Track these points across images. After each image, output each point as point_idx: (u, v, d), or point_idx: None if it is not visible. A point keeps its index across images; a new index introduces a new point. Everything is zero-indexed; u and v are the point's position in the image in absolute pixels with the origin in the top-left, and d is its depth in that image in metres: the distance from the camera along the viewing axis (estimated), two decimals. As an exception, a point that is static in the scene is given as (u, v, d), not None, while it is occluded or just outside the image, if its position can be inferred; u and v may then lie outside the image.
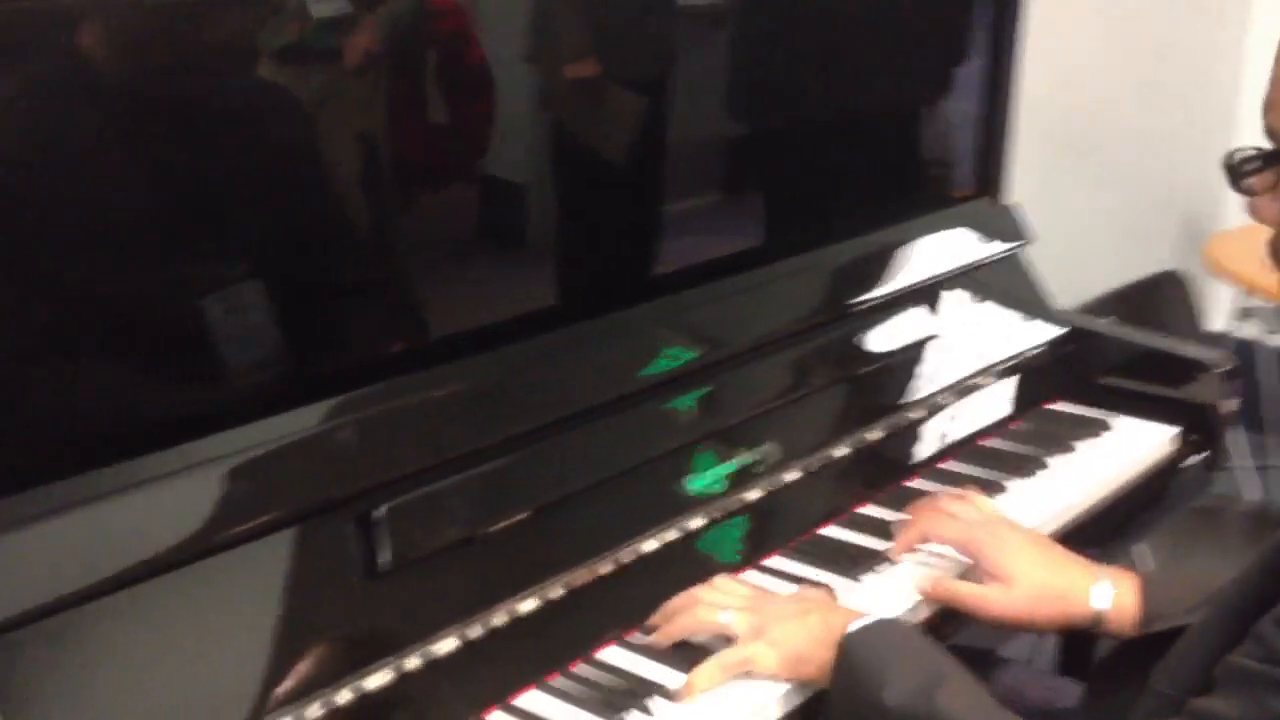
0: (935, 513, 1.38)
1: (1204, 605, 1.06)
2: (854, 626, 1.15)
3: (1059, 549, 1.33)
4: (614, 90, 1.45)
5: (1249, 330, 3.33)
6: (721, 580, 1.28)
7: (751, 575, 1.36)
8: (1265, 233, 1.01)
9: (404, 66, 1.25)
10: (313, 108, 1.19)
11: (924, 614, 1.33)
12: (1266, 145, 0.98)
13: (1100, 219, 2.95)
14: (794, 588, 1.32)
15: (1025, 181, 2.11)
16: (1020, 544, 1.31)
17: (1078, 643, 1.55)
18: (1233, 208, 1.21)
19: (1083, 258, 2.73)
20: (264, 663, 1.06)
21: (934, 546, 1.37)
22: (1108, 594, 1.26)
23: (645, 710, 1.14)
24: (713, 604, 1.22)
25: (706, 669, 1.16)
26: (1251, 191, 0.99)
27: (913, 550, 1.38)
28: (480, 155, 1.33)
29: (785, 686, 1.18)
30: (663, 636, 1.22)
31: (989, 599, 1.28)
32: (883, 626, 1.16)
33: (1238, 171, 0.99)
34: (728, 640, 1.20)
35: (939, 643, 1.15)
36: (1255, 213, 1.00)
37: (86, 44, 1.01)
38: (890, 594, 1.33)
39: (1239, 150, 0.99)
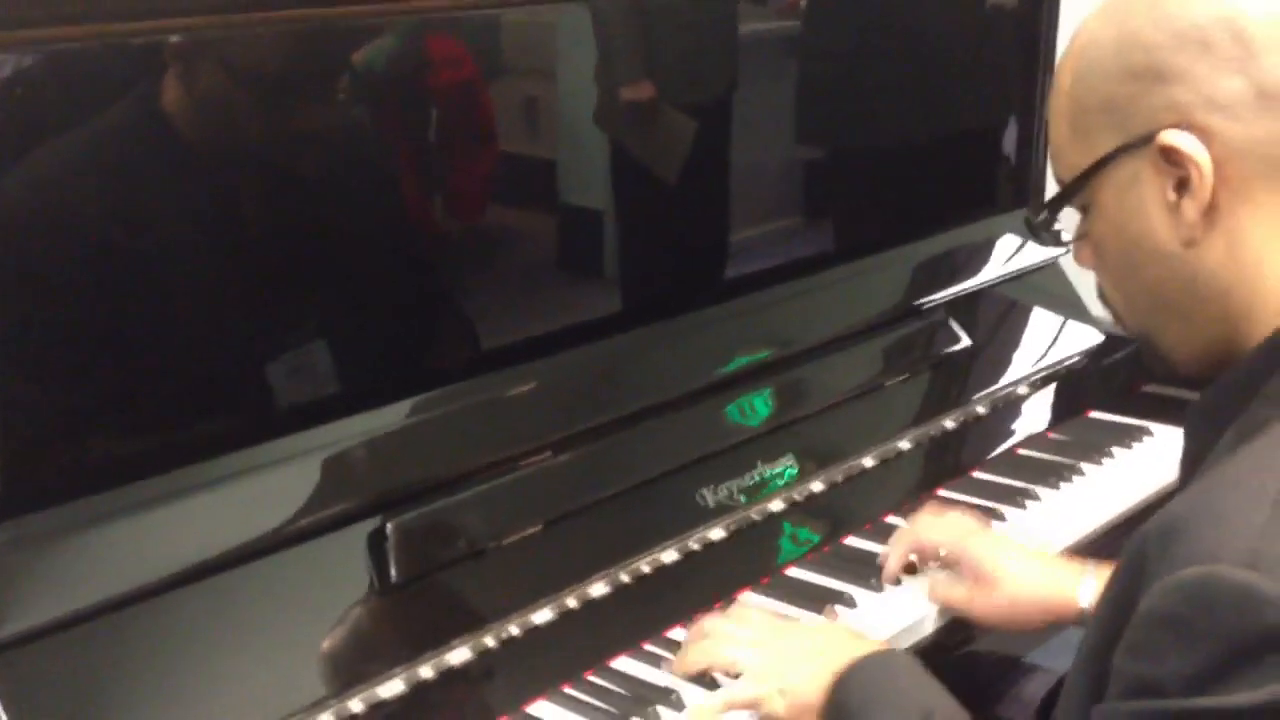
0: (921, 521, 1.40)
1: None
2: (848, 663, 1.12)
3: (1046, 553, 1.34)
4: (673, 113, 1.52)
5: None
6: (740, 609, 1.28)
7: (770, 592, 1.36)
8: None
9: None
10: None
11: (941, 621, 1.33)
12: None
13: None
14: (810, 609, 1.31)
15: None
16: (1005, 546, 1.32)
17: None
18: None
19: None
20: (277, 672, 1.09)
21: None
22: (1093, 592, 1.24)
23: (654, 718, 1.15)
24: (726, 638, 1.21)
25: (711, 708, 1.15)
26: (1056, 243, 1.06)
27: (907, 560, 1.38)
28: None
29: None
30: (677, 669, 1.22)
31: (973, 601, 1.29)
32: (875, 664, 1.12)
33: (1036, 224, 1.07)
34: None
35: (934, 679, 1.11)
36: (1076, 259, 1.05)
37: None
38: (910, 603, 1.33)
39: (1036, 208, 1.05)
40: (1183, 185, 0.91)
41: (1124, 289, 1.00)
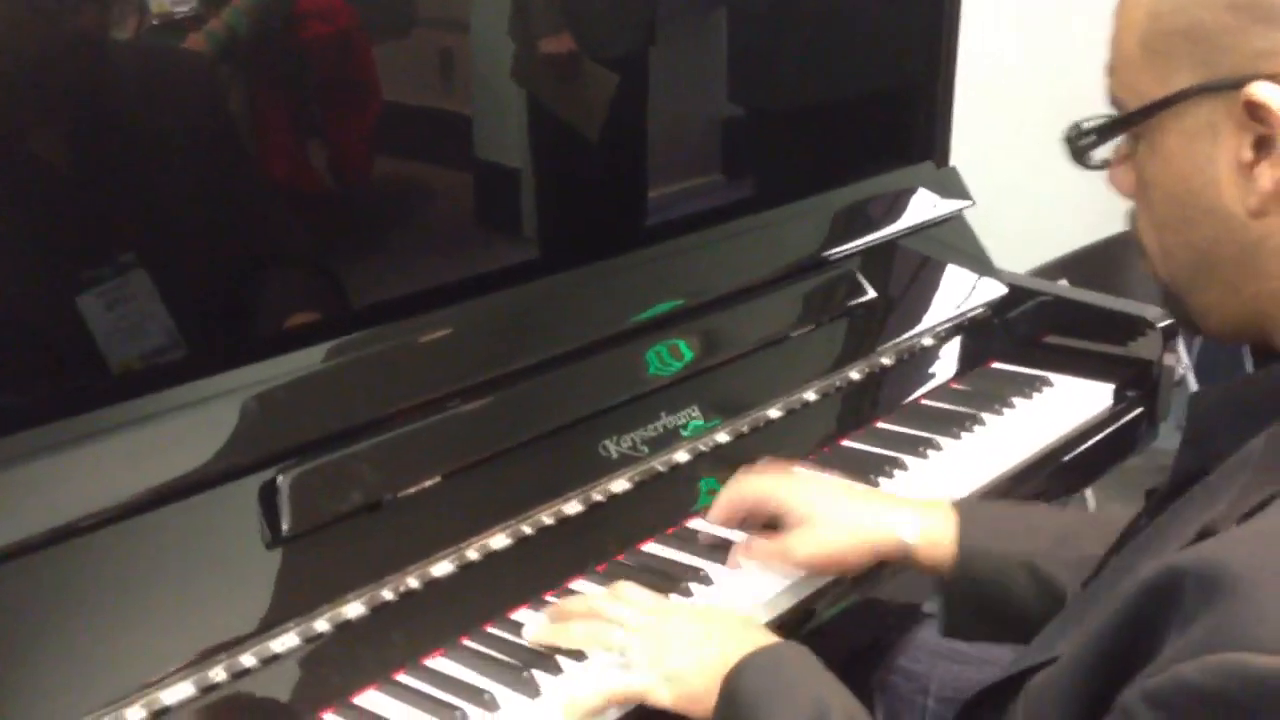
0: (737, 480, 1.34)
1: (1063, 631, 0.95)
2: (738, 659, 1.05)
3: (862, 486, 1.32)
4: (591, 65, 1.49)
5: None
6: (625, 587, 1.20)
7: (659, 548, 1.34)
8: None
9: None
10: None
11: (817, 584, 1.29)
12: (1113, 112, 0.91)
13: (1056, 181, 2.92)
14: (714, 559, 1.29)
15: (978, 144, 2.11)
16: (821, 486, 1.29)
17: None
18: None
19: (1042, 221, 2.72)
20: (167, 626, 1.07)
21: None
22: (914, 525, 1.23)
23: (554, 670, 1.14)
24: (609, 618, 1.14)
25: (588, 698, 1.08)
26: (1095, 165, 0.92)
27: (731, 522, 1.33)
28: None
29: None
30: (549, 642, 1.15)
31: (791, 545, 1.25)
32: (766, 659, 1.05)
33: (1080, 143, 0.92)
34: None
35: (829, 672, 1.05)
36: (1114, 183, 0.93)
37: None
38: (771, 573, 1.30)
39: (1085, 120, 0.92)
40: (1262, 145, 0.80)
41: (1165, 239, 0.90)
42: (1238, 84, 0.80)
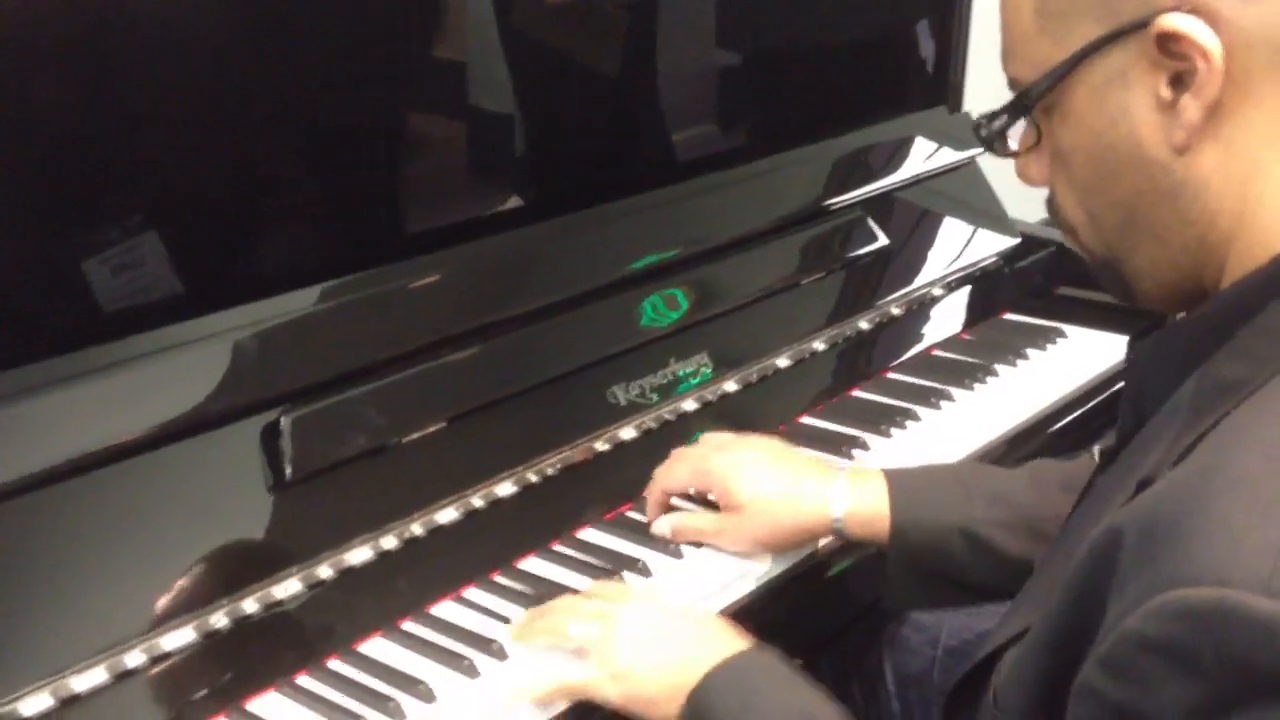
0: (665, 465, 1.28)
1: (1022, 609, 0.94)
2: (706, 669, 0.99)
3: (798, 458, 1.25)
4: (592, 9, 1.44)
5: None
6: (599, 585, 1.16)
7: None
8: None
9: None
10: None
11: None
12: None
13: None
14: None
15: (995, 89, 2.06)
16: (749, 463, 1.22)
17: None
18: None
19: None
20: (168, 570, 1.04)
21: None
22: (844, 501, 1.18)
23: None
24: (569, 610, 1.09)
25: (539, 685, 1.04)
26: (1009, 153, 0.90)
27: (665, 510, 1.26)
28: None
29: None
30: (520, 636, 1.10)
31: (723, 532, 1.21)
32: (737, 669, 1.00)
33: (988, 132, 0.89)
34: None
35: (799, 676, 1.00)
36: (1023, 175, 0.91)
37: None
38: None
39: (988, 113, 0.90)
40: (1178, 81, 0.78)
41: (1090, 205, 0.87)
42: (1144, 23, 0.78)
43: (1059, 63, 0.82)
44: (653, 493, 1.27)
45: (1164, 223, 0.83)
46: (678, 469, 1.27)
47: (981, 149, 1.77)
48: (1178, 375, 0.82)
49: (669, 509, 1.27)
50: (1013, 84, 0.87)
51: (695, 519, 1.24)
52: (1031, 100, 0.85)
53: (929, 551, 1.17)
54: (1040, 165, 0.89)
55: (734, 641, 1.03)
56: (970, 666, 0.95)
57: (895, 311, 1.67)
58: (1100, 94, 0.82)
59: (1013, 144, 0.91)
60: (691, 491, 1.28)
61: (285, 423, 1.12)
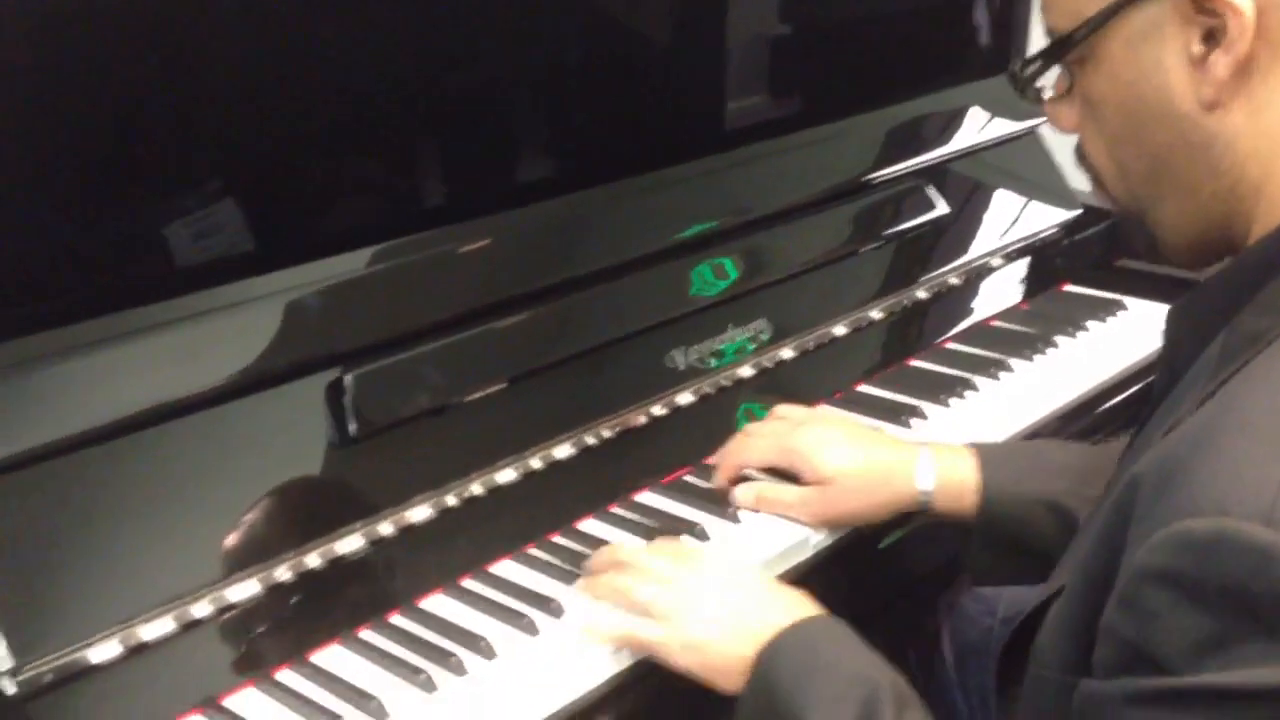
0: (739, 439, 1.28)
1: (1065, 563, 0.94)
2: (772, 635, 0.98)
3: (875, 433, 1.25)
4: None
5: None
6: (661, 542, 1.15)
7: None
8: None
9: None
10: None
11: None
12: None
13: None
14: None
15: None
16: (831, 438, 1.22)
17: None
18: None
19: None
20: (233, 523, 1.05)
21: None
22: (931, 474, 1.18)
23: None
24: (640, 572, 1.07)
25: (610, 629, 1.04)
26: (1040, 99, 0.93)
27: (735, 482, 1.26)
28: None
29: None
30: (588, 591, 1.10)
31: (809, 502, 1.20)
32: (805, 634, 0.99)
33: (1022, 78, 0.92)
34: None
35: (865, 645, 0.98)
36: (1054, 121, 0.93)
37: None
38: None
39: (1025, 59, 0.92)
40: (1210, 37, 0.80)
41: (1119, 155, 0.89)
42: None
43: (1095, 13, 0.84)
44: (727, 464, 1.27)
45: (1191, 175, 0.85)
46: (759, 444, 1.26)
47: (1043, 119, 1.77)
48: (1210, 331, 0.84)
49: (738, 480, 1.26)
50: (1050, 33, 0.90)
51: (779, 490, 1.23)
52: (1067, 49, 0.88)
53: (1016, 524, 1.16)
54: (1071, 113, 0.92)
55: (804, 607, 1.03)
56: (1017, 626, 0.95)
57: (953, 281, 1.66)
58: (1134, 47, 0.84)
59: (1047, 91, 0.94)
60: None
61: (349, 380, 1.12)
